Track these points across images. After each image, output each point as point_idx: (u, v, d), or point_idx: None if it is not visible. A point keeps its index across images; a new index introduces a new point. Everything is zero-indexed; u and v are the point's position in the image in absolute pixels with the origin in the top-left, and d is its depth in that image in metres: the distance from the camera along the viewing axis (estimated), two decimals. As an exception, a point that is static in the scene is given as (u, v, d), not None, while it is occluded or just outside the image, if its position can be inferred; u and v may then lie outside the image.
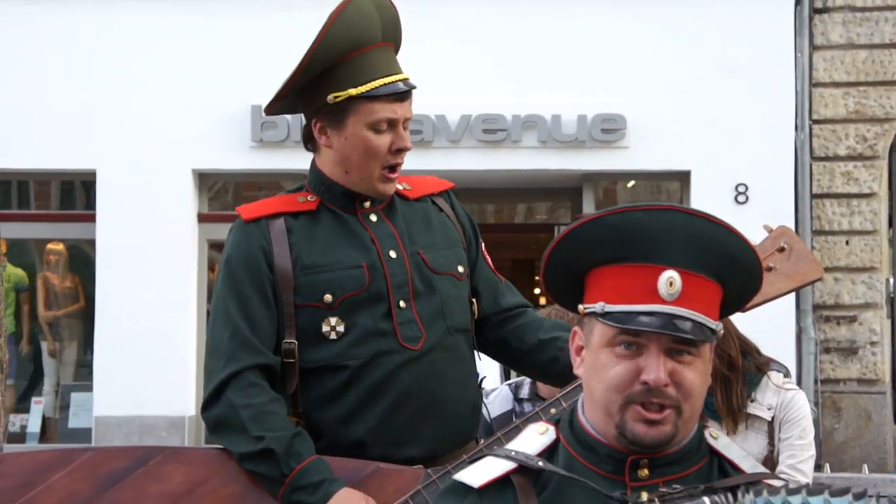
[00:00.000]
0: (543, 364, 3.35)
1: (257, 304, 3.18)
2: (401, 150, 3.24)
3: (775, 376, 4.46)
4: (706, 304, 2.23)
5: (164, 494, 3.09)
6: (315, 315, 3.18)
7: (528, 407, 4.94)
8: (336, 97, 3.17)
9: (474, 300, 3.41)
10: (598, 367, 2.26)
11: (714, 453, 2.34)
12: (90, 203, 13.64)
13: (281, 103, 3.35)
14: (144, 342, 12.97)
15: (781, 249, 3.04)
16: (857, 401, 10.84)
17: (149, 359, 12.93)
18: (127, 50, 13.01)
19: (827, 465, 10.70)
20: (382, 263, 3.22)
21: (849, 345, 11.48)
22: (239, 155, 13.18)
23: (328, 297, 3.17)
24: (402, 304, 3.22)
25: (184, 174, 13.50)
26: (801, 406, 4.51)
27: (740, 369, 4.33)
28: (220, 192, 14.44)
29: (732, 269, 2.27)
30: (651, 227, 2.23)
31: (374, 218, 3.29)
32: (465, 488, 2.29)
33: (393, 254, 3.24)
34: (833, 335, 11.57)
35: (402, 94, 3.23)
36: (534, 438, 2.35)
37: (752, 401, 4.40)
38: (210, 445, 3.30)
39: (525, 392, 5.11)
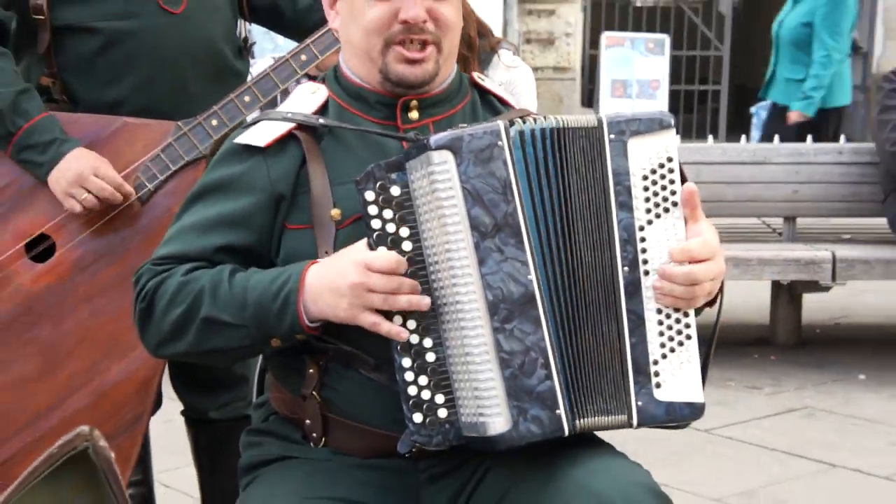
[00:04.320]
0: (312, 26, 2.89)
1: None
2: None
3: (505, 55, 4.31)
4: None
5: None
6: None
7: None
8: None
9: None
10: (355, 13, 2.09)
11: (480, 90, 2.24)
12: None
13: None
14: None
15: None
16: (551, 87, 10.56)
17: None
18: None
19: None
20: None
21: (547, 36, 11.14)
22: None
23: None
24: None
25: None
26: (526, 81, 4.39)
27: (477, 49, 4.20)
28: None
29: None
30: None
31: None
32: (248, 149, 2.10)
33: None
34: (534, 27, 11.18)
35: None
36: (306, 99, 2.16)
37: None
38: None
39: None
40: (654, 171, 1.95)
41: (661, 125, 1.94)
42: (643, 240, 1.94)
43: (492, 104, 2.23)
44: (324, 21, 2.84)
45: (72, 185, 2.64)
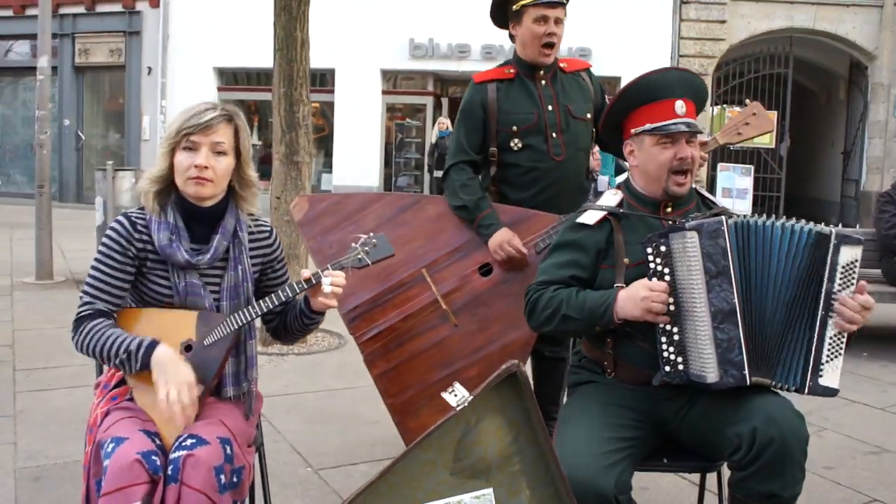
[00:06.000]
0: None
1: (472, 130, 2.78)
2: (551, 35, 2.74)
3: None
4: (695, 117, 2.04)
5: (425, 218, 2.79)
6: (507, 135, 2.76)
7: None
8: (517, 6, 2.76)
9: (593, 131, 2.89)
10: (651, 156, 2.02)
11: (701, 197, 2.12)
12: (329, 83, 12.94)
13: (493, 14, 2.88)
14: (355, 154, 12.57)
15: (753, 114, 2.58)
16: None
17: (358, 162, 12.48)
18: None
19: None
20: (543, 111, 2.76)
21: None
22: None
23: (514, 127, 2.76)
24: (553, 134, 2.76)
25: (374, 72, 12.52)
26: None
27: None
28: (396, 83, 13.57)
29: (701, 101, 2.08)
30: (667, 77, 2.03)
31: (543, 83, 2.80)
32: (581, 226, 2.07)
33: (550, 107, 2.77)
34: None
35: (554, 3, 2.73)
36: (612, 198, 2.10)
37: None
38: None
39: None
40: (848, 265, 1.84)
41: (858, 242, 1.84)
42: (834, 299, 1.82)
43: (707, 202, 2.13)
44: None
45: (496, 248, 2.70)
